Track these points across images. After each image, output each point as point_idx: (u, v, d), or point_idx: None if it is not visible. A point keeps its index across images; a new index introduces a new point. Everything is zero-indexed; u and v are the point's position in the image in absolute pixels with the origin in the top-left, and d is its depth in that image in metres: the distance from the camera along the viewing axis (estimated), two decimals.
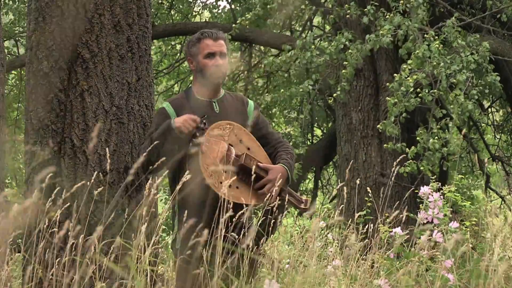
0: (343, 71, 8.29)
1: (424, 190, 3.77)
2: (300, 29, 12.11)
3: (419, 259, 3.39)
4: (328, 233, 4.10)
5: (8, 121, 12.20)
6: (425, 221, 3.70)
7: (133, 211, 3.76)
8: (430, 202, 3.74)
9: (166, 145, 3.82)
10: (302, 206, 3.97)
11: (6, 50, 11.72)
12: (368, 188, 4.33)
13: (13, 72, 12.74)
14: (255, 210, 4.05)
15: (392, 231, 3.69)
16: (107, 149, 4.10)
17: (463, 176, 13.38)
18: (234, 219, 3.52)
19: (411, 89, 7.65)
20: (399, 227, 3.69)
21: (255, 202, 3.78)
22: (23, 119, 7.46)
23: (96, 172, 4.06)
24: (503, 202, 11.90)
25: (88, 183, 3.93)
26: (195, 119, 3.81)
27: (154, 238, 3.15)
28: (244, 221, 3.68)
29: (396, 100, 7.70)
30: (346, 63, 8.26)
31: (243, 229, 3.57)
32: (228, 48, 4.15)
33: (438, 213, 3.66)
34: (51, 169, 3.77)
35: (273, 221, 3.78)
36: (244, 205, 3.73)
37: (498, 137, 12.98)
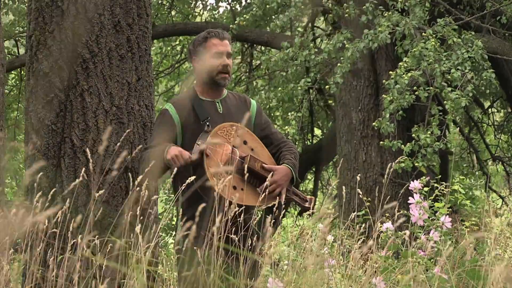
0: (339, 65, 8.29)
1: (414, 185, 3.76)
2: (302, 30, 12.12)
3: (417, 259, 3.39)
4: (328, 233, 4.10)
5: (8, 121, 12.21)
6: (416, 220, 3.69)
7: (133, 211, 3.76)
8: (411, 204, 3.72)
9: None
10: (307, 205, 3.98)
11: (6, 50, 11.72)
12: (358, 190, 4.33)
13: (13, 72, 12.74)
14: (256, 211, 4.05)
15: (383, 226, 3.69)
16: (107, 149, 4.11)
17: (464, 177, 13.40)
18: (239, 220, 3.53)
19: (404, 85, 7.66)
20: (389, 223, 3.69)
21: (260, 204, 3.77)
22: (23, 119, 7.46)
23: (96, 172, 4.06)
24: (503, 203, 11.90)
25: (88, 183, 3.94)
26: (186, 158, 3.76)
27: (154, 238, 3.16)
28: (245, 222, 3.68)
29: (391, 97, 7.71)
30: (343, 58, 8.28)
31: (244, 229, 3.58)
32: (232, 48, 4.14)
33: (423, 213, 3.65)
34: (39, 165, 3.77)
35: (274, 221, 3.78)
36: (247, 207, 3.74)
37: (499, 137, 12.98)
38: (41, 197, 3.47)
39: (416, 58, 7.74)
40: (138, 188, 3.36)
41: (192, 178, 3.37)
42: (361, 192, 4.11)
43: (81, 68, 4.23)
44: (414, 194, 3.70)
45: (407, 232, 3.49)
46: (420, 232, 3.67)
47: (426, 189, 4.12)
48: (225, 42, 4.06)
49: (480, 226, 4.66)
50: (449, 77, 7.72)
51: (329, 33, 10.08)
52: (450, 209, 4.11)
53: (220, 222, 3.12)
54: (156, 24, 11.63)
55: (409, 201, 3.74)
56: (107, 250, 3.55)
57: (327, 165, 13.54)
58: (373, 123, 8.23)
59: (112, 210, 4.06)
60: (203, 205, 3.03)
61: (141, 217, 3.29)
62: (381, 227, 3.95)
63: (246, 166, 3.75)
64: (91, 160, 3.78)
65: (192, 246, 3.18)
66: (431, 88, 7.80)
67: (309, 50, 8.66)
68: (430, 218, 3.73)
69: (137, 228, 2.97)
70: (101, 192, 3.35)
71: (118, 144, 4.04)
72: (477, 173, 13.21)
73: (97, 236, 3.33)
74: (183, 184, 3.40)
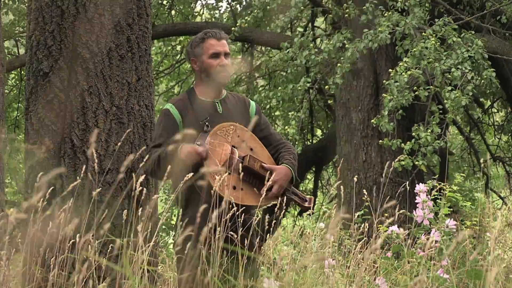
0: (339, 65, 8.29)
1: (419, 188, 3.76)
2: (302, 30, 12.12)
3: (417, 259, 3.39)
4: (325, 233, 4.10)
5: (8, 121, 12.22)
6: (421, 220, 3.70)
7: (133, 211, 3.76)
8: (418, 202, 3.73)
9: (170, 163, 3.78)
10: (306, 204, 3.98)
11: (6, 50, 11.72)
12: (364, 190, 4.33)
13: (13, 72, 12.75)
14: (257, 211, 4.06)
15: (388, 230, 3.69)
16: (107, 149, 4.11)
17: (464, 177, 13.38)
18: (238, 220, 3.53)
19: (404, 83, 7.66)
20: (396, 226, 3.69)
21: (260, 204, 3.77)
22: (23, 119, 7.47)
23: (96, 172, 4.06)
24: (504, 203, 11.91)
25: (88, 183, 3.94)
26: (201, 154, 3.76)
27: (153, 238, 3.16)
28: (246, 222, 3.69)
29: (391, 96, 7.71)
30: (343, 58, 8.28)
31: (243, 228, 3.58)
32: (229, 48, 4.14)
33: (429, 213, 3.65)
34: (53, 171, 3.77)
35: (273, 221, 3.78)
36: (247, 207, 3.75)
37: (499, 137, 12.98)
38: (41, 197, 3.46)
39: (416, 58, 7.74)
40: (140, 188, 3.35)
41: (191, 174, 3.36)
42: (366, 193, 4.12)
43: (81, 68, 4.23)
44: (421, 194, 3.71)
45: (401, 229, 3.50)
46: (420, 232, 3.67)
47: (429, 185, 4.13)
48: (223, 42, 4.05)
49: (480, 226, 4.67)
50: (449, 76, 7.73)
51: (329, 33, 10.09)
52: (451, 209, 4.11)
53: (216, 219, 3.12)
54: (156, 24, 11.63)
55: (416, 201, 3.74)
56: (107, 250, 3.56)
57: (327, 165, 13.54)
58: (372, 120, 8.24)
59: (112, 210, 4.06)
60: (204, 206, 3.02)
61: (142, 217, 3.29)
62: (380, 226, 3.95)
63: (241, 165, 3.76)
64: (96, 160, 3.78)
65: (196, 248, 3.18)
66: (431, 87, 7.81)
67: (309, 50, 8.66)
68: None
69: (139, 227, 2.96)
70: (98, 190, 3.35)
71: (119, 144, 4.05)
72: (478, 174, 13.20)
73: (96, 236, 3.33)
74: (181, 183, 3.40)
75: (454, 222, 3.62)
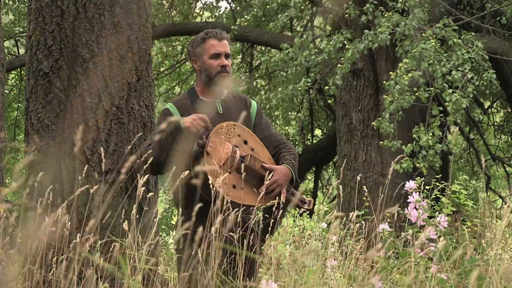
0: (339, 65, 8.28)
1: (409, 185, 3.76)
2: (301, 29, 12.12)
3: (415, 259, 3.39)
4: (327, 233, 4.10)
5: (8, 121, 12.22)
6: (415, 220, 3.69)
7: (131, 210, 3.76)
8: (410, 202, 3.72)
9: (174, 145, 3.79)
10: (306, 206, 3.98)
11: (6, 50, 11.72)
12: (364, 187, 4.32)
13: (13, 72, 12.75)
14: (257, 211, 4.06)
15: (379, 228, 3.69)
16: (107, 149, 4.11)
17: (468, 177, 13.38)
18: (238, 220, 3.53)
19: (405, 86, 7.66)
20: (386, 224, 3.69)
21: (260, 204, 3.77)
22: (23, 119, 7.47)
23: (96, 172, 4.06)
24: (503, 203, 11.91)
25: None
26: (204, 118, 3.79)
27: (152, 238, 3.16)
28: (247, 222, 3.69)
29: (392, 98, 7.71)
30: (343, 59, 8.28)
31: (244, 229, 3.58)
32: (231, 48, 4.14)
33: (423, 213, 3.64)
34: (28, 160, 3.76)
35: (273, 221, 3.79)
36: (247, 206, 3.74)
37: (498, 137, 12.98)
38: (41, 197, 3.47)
39: (416, 59, 7.74)
40: (143, 188, 3.35)
41: (186, 172, 3.37)
42: (366, 191, 4.11)
43: (81, 68, 4.23)
44: (413, 193, 3.70)
45: (403, 233, 3.50)
46: (419, 232, 3.66)
47: (427, 187, 4.12)
48: (224, 42, 4.05)
49: (481, 227, 4.67)
50: (449, 78, 7.72)
51: (329, 33, 10.09)
52: (453, 209, 4.10)
53: (220, 223, 3.12)
54: (156, 24, 11.63)
55: (408, 200, 3.73)
56: (107, 250, 3.56)
57: (327, 165, 13.55)
58: (373, 123, 8.23)
59: (112, 210, 4.06)
60: (199, 205, 3.02)
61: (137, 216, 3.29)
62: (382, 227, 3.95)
63: (243, 165, 3.75)
64: (101, 160, 3.78)
65: (195, 247, 3.18)
66: (431, 88, 7.80)
67: (310, 50, 8.66)
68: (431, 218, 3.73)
69: (125, 225, 2.96)
70: (96, 187, 3.35)
71: (130, 146, 4.04)
72: (476, 174, 13.21)
73: (97, 237, 3.33)
74: (177, 181, 3.40)
75: (446, 218, 3.61)
